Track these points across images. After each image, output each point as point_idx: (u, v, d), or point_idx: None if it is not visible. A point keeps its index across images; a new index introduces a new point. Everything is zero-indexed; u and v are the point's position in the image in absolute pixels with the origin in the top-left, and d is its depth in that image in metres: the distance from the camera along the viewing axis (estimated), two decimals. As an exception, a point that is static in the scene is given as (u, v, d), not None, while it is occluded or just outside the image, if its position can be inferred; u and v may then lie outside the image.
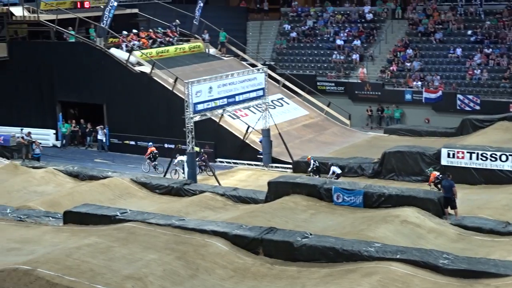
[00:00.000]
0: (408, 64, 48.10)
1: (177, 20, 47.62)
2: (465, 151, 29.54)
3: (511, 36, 47.13)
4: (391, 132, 40.06)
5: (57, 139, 42.47)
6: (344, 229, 22.33)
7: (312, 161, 32.07)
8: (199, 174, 33.89)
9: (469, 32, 48.86)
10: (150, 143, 36.87)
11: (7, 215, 24.92)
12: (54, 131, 42.61)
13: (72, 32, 43.13)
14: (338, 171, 30.93)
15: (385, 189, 24.96)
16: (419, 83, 46.17)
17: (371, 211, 23.92)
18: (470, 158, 29.26)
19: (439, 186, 27.90)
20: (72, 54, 42.70)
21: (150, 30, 46.35)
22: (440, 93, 44.62)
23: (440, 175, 28.41)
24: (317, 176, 31.14)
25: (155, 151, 35.83)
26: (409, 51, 48.94)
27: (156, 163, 35.65)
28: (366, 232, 21.41)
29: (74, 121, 43.09)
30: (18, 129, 39.94)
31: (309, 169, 32.02)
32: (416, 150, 31.15)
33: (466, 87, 45.44)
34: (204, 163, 34.76)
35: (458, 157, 29.53)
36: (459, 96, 44.06)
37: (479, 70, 45.88)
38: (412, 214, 22.90)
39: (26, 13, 44.00)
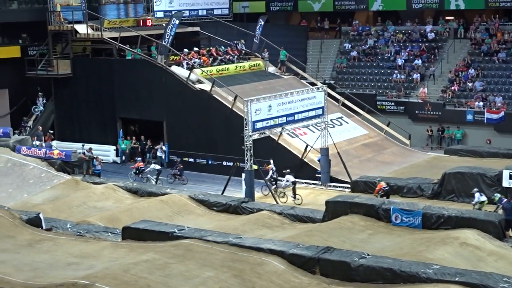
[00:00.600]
0: (470, 84, 47.56)
1: (242, 40, 48.01)
2: (527, 173, 29.08)
3: None
4: (452, 152, 39.53)
5: (117, 155, 43.06)
6: (402, 250, 22.12)
7: (271, 171, 34.07)
8: (172, 183, 36.66)
9: (535, 51, 48.25)
10: (139, 158, 39.13)
11: (67, 230, 25.33)
12: (114, 147, 43.22)
13: (136, 50, 43.80)
14: (292, 179, 32.67)
15: (445, 210, 24.68)
16: (481, 103, 45.58)
17: (429, 233, 23.67)
18: (533, 180, 28.81)
19: (385, 197, 28.60)
20: (133, 71, 43.35)
21: (211, 48, 46.81)
22: (502, 113, 43.99)
23: (387, 187, 28.72)
24: (274, 185, 33.71)
25: (142, 167, 37.74)
26: (471, 71, 48.40)
27: (142, 175, 37.65)
28: (425, 253, 21.16)
29: (134, 137, 43.65)
30: (79, 145, 40.62)
31: (267, 177, 33.80)
32: (477, 171, 30.75)
33: (529, 108, 44.83)
34: (179, 173, 37.16)
35: (520, 179, 29.09)
36: (522, 116, 43.48)
37: (543, 91, 45.24)
38: (472, 236, 22.56)
39: (90, 31, 44.82)
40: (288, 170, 34.09)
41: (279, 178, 34.05)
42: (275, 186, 33.83)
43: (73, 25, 44.89)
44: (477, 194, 28.07)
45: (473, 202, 28.09)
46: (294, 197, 33.05)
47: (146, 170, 37.58)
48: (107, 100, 44.05)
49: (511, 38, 49.70)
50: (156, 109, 42.41)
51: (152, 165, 37.85)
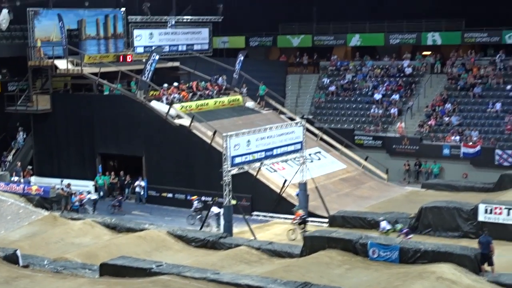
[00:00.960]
0: (447, 119, 47.94)
1: (224, 76, 48.28)
2: (503, 207, 29.21)
3: (551, 91, 46.95)
4: (429, 187, 39.78)
5: (96, 191, 42.89)
6: (379, 284, 22.19)
7: (195, 202, 36.05)
8: (112, 213, 38.03)
9: (509, 86, 48.62)
10: (81, 191, 39.60)
11: (44, 267, 25.19)
12: (93, 182, 43.04)
13: (116, 85, 43.89)
14: (217, 210, 34.00)
15: (421, 244, 24.81)
16: (458, 137, 45.94)
17: (406, 267, 23.75)
18: (508, 214, 28.91)
19: (302, 225, 30.52)
20: (113, 106, 43.37)
21: (192, 82, 47.03)
22: (478, 148, 44.30)
23: (304, 215, 30.43)
24: (199, 216, 35.73)
25: (84, 199, 38.26)
26: (448, 105, 48.83)
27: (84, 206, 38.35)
28: (401, 288, 21.27)
29: (113, 173, 43.53)
30: (58, 180, 40.47)
31: (192, 209, 36.00)
32: (453, 205, 30.91)
33: (505, 142, 45.05)
34: (118, 204, 38.98)
35: (495, 213, 29.22)
36: (497, 151, 43.75)
37: (518, 125, 45.65)
38: (448, 270, 22.66)
39: (70, 66, 44.91)
40: (212, 201, 35.33)
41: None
42: (200, 215, 35.40)
43: (53, 61, 44.99)
44: (383, 223, 30.35)
45: (380, 230, 29.82)
46: (218, 227, 34.02)
47: (83, 202, 38.08)
48: (86, 135, 43.99)
49: (487, 73, 50.25)
50: (135, 144, 42.38)
51: (89, 195, 38.78)
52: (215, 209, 34.42)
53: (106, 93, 44.36)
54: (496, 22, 50.87)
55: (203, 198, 37.42)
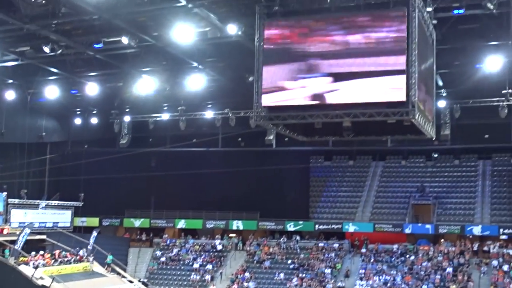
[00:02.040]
0: (246, 284, 48.04)
1: (84, 248, 46.13)
2: None
3: (318, 265, 48.49)
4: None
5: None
6: None
7: None
8: None
9: (289, 261, 49.93)
10: None
11: None
12: (-35, 331, 38.64)
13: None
14: None
15: None
16: (254, 298, 45.99)
17: None
18: None
19: None
20: (-12, 269, 39.95)
21: (55, 251, 44.57)
22: (269, 306, 44.46)
23: None
24: None
25: None
26: (247, 274, 49.11)
27: None
28: None
29: (-17, 323, 39.41)
30: None
31: None
32: None
33: (287, 301, 45.61)
34: None
35: None
36: (282, 308, 44.07)
37: (296, 289, 46.45)
38: None
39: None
40: None
41: None
42: None
43: None
44: None
45: None
46: None
47: None
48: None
49: (274, 251, 51.41)
50: (4, 300, 38.90)
51: None
52: None
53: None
54: (280, 215, 53.02)
55: None
